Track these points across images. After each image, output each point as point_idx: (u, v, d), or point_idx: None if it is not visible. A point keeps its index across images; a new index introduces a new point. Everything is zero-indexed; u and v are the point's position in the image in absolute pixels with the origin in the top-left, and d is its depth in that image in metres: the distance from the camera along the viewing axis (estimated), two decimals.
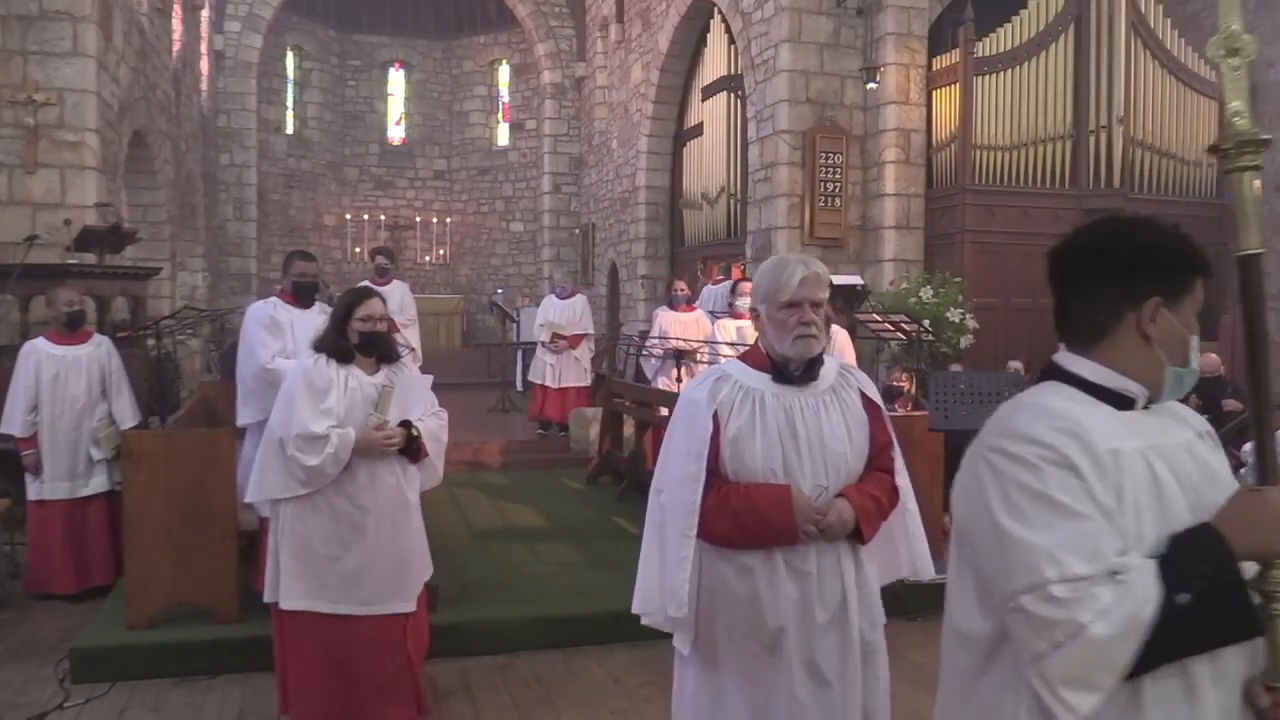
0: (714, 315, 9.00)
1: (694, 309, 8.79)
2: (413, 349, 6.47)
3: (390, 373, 3.72)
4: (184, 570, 4.67)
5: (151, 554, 4.65)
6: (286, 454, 3.49)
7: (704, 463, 2.47)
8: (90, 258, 7.78)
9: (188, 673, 4.49)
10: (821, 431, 2.52)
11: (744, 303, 7.02)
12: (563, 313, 9.80)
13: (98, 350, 5.82)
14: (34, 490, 5.65)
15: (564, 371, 9.72)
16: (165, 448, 4.73)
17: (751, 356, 2.64)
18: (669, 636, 2.71)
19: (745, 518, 2.44)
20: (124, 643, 4.54)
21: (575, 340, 9.74)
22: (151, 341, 7.10)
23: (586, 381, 9.91)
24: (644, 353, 8.69)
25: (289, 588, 3.58)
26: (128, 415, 5.84)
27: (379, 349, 3.70)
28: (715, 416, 2.50)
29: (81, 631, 4.78)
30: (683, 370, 7.52)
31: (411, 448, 3.66)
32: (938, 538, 6.05)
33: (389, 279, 8.20)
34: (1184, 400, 1.64)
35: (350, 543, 3.56)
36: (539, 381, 9.97)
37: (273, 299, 4.94)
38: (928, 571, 2.71)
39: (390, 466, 3.63)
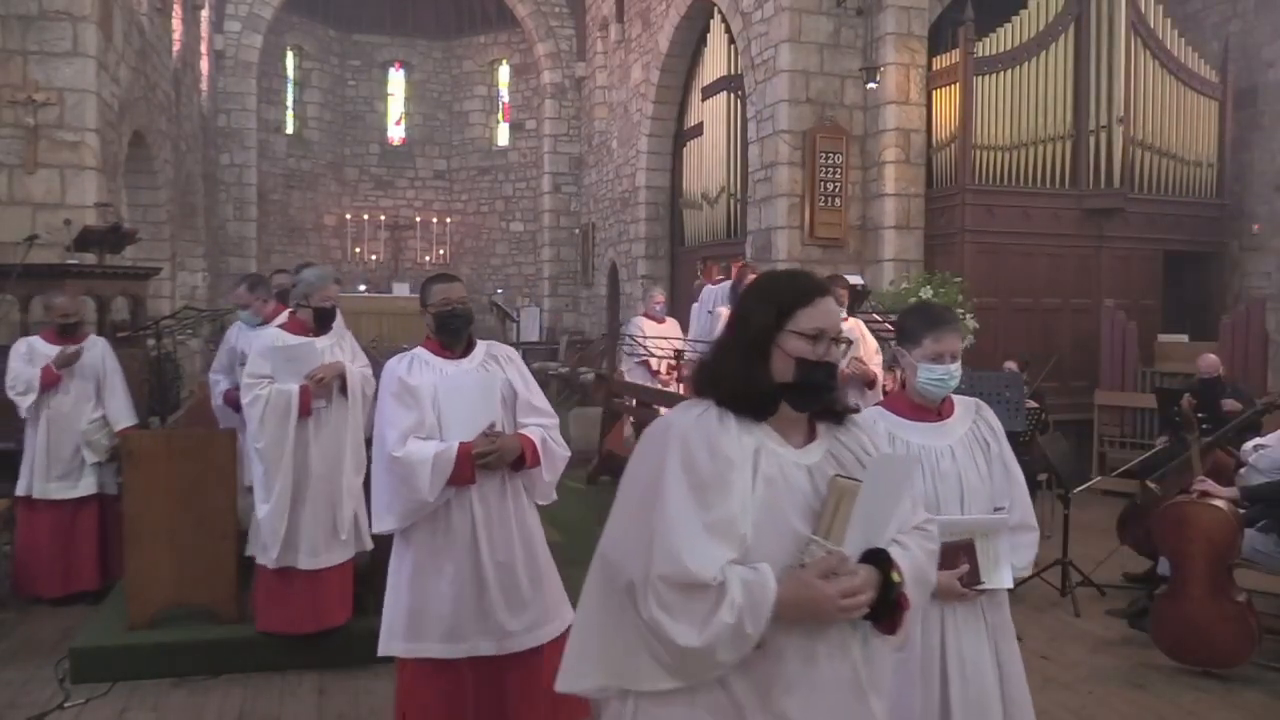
0: (714, 315, 8.99)
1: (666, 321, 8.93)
2: None
3: (833, 441, 1.91)
4: (184, 570, 4.67)
5: (152, 554, 4.65)
6: (644, 614, 1.74)
7: None
8: (90, 258, 7.79)
9: (188, 673, 4.50)
10: None
11: None
12: None
13: (90, 352, 5.79)
14: (22, 486, 5.61)
15: None
16: (165, 448, 4.74)
17: None
18: None
19: None
20: (124, 643, 4.54)
21: None
22: (151, 341, 7.10)
23: None
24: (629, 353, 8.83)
25: None
26: (123, 416, 5.80)
27: (826, 395, 1.89)
28: None
29: (81, 631, 4.78)
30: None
31: (887, 610, 1.81)
32: None
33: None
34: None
35: None
36: None
37: (411, 352, 3.50)
38: None
39: (842, 648, 1.81)
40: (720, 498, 1.76)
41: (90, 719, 4.10)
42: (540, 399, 3.53)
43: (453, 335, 3.49)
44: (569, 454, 3.55)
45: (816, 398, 1.89)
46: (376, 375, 4.80)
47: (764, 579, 1.72)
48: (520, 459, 3.35)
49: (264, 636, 4.61)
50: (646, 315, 8.84)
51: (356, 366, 4.63)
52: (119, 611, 4.77)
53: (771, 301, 1.90)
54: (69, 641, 4.67)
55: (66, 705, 4.17)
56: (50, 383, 5.58)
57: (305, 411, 4.42)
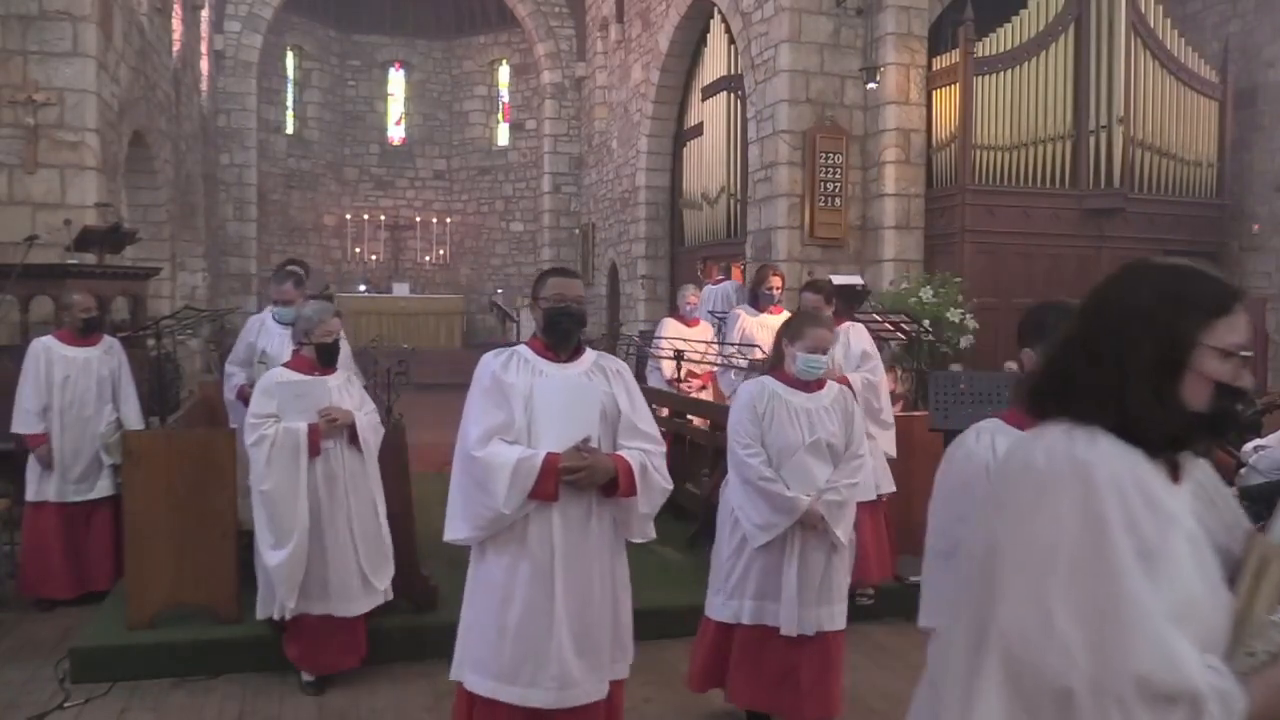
0: (714, 315, 8.95)
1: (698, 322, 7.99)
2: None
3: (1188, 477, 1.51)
4: (184, 570, 4.67)
5: (151, 554, 4.65)
6: None
7: None
8: (90, 258, 7.78)
9: (188, 673, 4.49)
10: None
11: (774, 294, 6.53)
12: None
13: (108, 354, 5.75)
14: (34, 492, 5.53)
15: None
16: (165, 448, 4.73)
17: None
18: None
19: None
20: (124, 643, 4.54)
21: None
22: (151, 341, 7.09)
23: None
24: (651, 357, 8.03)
25: None
26: (135, 418, 5.77)
27: (1235, 427, 1.74)
28: None
29: (81, 631, 4.78)
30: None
31: None
32: None
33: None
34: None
35: None
36: None
37: (512, 348, 3.17)
38: None
39: None
40: (1169, 568, 1.32)
41: (90, 719, 4.10)
42: (647, 421, 3.15)
43: (561, 336, 3.11)
44: (671, 487, 3.15)
45: (1229, 431, 1.51)
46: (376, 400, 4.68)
47: (1231, 685, 1.29)
48: (613, 483, 2.97)
49: (264, 637, 4.62)
50: (675, 316, 7.99)
51: (364, 414, 4.46)
52: (119, 611, 4.77)
53: (1190, 307, 1.45)
54: (69, 641, 4.67)
55: (66, 705, 4.17)
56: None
57: (315, 451, 4.22)
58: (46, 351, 5.58)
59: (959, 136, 9.77)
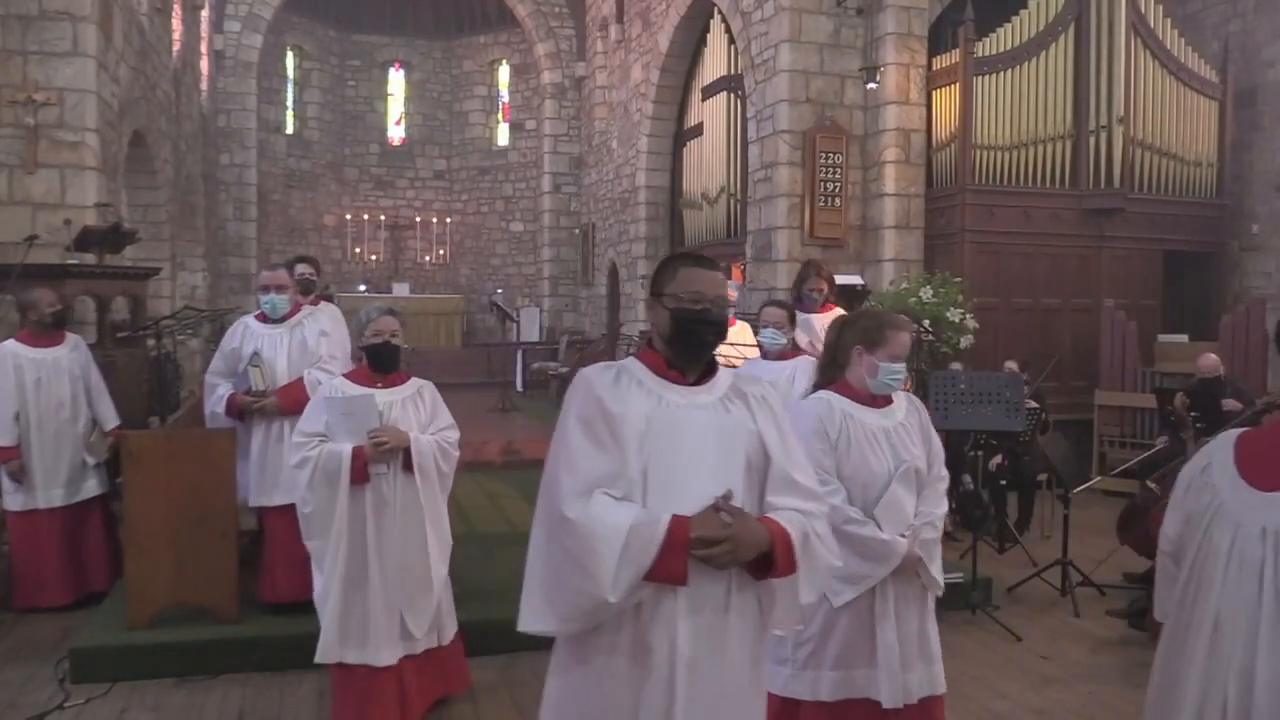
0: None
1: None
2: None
3: None
4: (184, 570, 4.67)
5: (151, 554, 4.65)
6: None
7: None
8: (90, 258, 7.78)
9: (188, 673, 4.50)
10: None
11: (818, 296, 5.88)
12: None
13: (76, 352, 5.64)
14: (18, 501, 5.38)
15: None
16: (165, 448, 4.73)
17: None
18: None
19: None
20: (124, 643, 4.55)
21: None
22: (151, 341, 7.10)
23: None
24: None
25: None
26: (111, 416, 5.71)
27: None
28: None
29: (81, 631, 4.78)
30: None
31: None
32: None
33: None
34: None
35: None
36: None
37: (619, 363, 2.32)
38: None
39: None
40: None
41: (90, 719, 4.10)
42: (805, 470, 2.26)
43: (696, 350, 2.25)
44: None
45: None
46: None
47: None
48: (765, 559, 2.09)
49: (263, 637, 4.62)
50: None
51: (432, 433, 3.95)
52: (119, 611, 4.77)
53: None
54: (69, 641, 4.68)
55: (66, 705, 4.17)
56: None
57: (359, 477, 3.73)
58: (14, 356, 5.42)
59: (959, 136, 9.77)
